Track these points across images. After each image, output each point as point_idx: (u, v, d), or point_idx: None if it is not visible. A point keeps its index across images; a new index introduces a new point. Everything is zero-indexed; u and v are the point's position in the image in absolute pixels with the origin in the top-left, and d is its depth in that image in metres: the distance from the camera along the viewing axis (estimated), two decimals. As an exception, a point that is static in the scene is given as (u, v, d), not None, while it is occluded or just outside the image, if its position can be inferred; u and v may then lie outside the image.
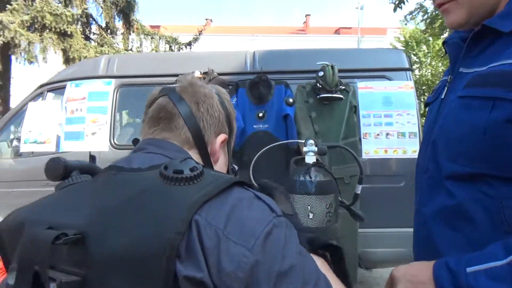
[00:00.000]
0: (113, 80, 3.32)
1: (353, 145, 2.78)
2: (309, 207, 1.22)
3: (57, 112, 3.36)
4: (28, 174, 3.36)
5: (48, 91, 3.53)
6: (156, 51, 10.36)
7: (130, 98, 3.44)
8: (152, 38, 11.02)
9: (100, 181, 0.63)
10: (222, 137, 0.77)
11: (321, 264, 0.68)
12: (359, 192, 1.33)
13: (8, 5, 7.85)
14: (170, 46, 10.78)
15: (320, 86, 2.86)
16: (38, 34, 8.15)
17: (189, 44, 10.90)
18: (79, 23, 9.92)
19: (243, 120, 2.93)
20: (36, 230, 0.55)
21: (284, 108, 2.93)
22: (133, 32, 10.85)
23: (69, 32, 8.29)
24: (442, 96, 0.90)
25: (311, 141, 1.29)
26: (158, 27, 16.77)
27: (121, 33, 10.66)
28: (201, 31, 10.88)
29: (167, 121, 0.72)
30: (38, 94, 3.55)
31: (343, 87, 2.93)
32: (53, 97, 3.52)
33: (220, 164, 0.79)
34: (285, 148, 2.81)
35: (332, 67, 2.86)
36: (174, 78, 3.08)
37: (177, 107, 0.72)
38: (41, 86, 3.61)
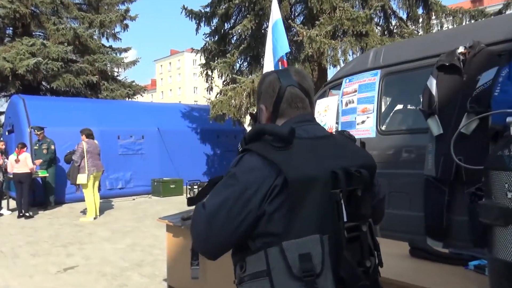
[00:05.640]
0: (379, 71, 3.54)
1: None
2: (506, 185, 1.06)
3: (336, 105, 3.92)
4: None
5: (329, 88, 4.15)
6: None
7: (394, 85, 3.54)
8: (453, 17, 10.44)
9: (323, 142, 1.11)
10: None
11: None
12: None
13: (316, 21, 9.42)
14: (476, 20, 9.76)
15: None
16: (340, 40, 9.34)
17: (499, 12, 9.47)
18: (381, 19, 10.58)
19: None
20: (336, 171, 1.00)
21: None
22: (433, 15, 10.56)
23: (364, 32, 9.02)
24: None
25: (519, 110, 1.10)
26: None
27: (421, 20, 10.58)
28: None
29: (302, 103, 1.20)
30: (323, 92, 4.23)
31: None
32: (333, 93, 4.11)
33: None
34: None
35: None
36: (436, 59, 2.97)
37: (306, 96, 1.21)
38: (325, 85, 4.27)
